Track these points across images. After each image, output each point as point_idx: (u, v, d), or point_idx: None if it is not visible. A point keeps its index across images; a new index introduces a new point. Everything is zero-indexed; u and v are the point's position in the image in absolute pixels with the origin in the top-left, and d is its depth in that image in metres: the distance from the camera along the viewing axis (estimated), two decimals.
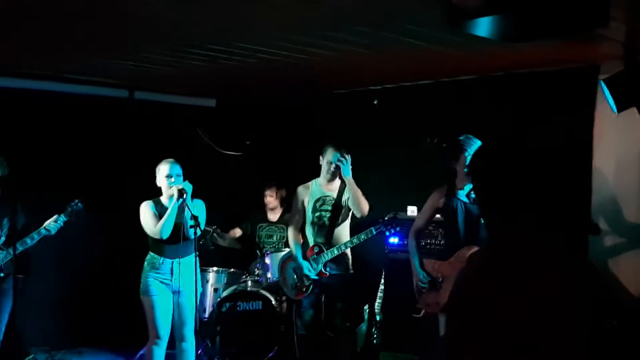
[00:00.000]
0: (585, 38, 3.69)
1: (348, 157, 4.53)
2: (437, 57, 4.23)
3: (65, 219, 4.27)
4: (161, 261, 4.31)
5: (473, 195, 3.86)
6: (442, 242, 4.79)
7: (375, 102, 5.72)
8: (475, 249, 3.79)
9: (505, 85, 4.90)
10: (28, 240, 4.10)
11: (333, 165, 4.57)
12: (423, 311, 4.16)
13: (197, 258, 4.28)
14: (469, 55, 4.17)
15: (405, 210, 5.17)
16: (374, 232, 4.44)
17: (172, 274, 4.30)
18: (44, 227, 4.17)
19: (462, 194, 3.93)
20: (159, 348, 4.37)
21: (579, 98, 4.48)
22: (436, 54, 4.09)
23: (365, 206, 4.53)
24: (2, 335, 4.20)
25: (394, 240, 5.12)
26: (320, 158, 4.67)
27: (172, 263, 4.30)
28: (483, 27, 3.03)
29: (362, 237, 4.49)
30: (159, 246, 4.31)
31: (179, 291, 4.33)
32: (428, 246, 4.83)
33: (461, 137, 3.85)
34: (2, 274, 4.11)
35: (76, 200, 4.37)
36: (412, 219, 4.96)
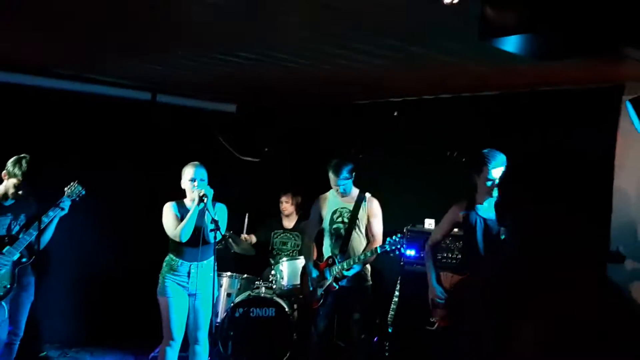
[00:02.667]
0: (612, 58, 3.70)
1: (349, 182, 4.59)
2: (462, 72, 4.25)
3: (68, 199, 4.28)
4: (179, 263, 4.32)
5: (491, 216, 3.83)
6: (459, 256, 4.79)
7: (395, 114, 5.74)
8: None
9: (527, 102, 4.91)
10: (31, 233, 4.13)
11: (338, 188, 4.62)
12: (437, 324, 4.15)
13: (216, 262, 4.30)
14: (495, 72, 4.19)
15: (423, 223, 5.17)
16: (379, 252, 4.50)
17: (189, 276, 4.31)
18: (50, 209, 4.20)
19: (481, 209, 3.90)
20: (172, 350, 4.37)
21: (601, 117, 4.48)
22: (462, 69, 4.11)
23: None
24: (23, 331, 4.23)
25: (410, 252, 5.11)
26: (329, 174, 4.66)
27: (190, 266, 4.32)
28: (514, 44, 3.05)
29: (369, 254, 4.54)
30: (178, 248, 4.33)
31: (195, 294, 4.34)
32: (444, 260, 4.83)
33: (485, 151, 3.81)
34: (24, 259, 4.13)
35: (73, 182, 4.37)
36: (429, 232, 4.96)
